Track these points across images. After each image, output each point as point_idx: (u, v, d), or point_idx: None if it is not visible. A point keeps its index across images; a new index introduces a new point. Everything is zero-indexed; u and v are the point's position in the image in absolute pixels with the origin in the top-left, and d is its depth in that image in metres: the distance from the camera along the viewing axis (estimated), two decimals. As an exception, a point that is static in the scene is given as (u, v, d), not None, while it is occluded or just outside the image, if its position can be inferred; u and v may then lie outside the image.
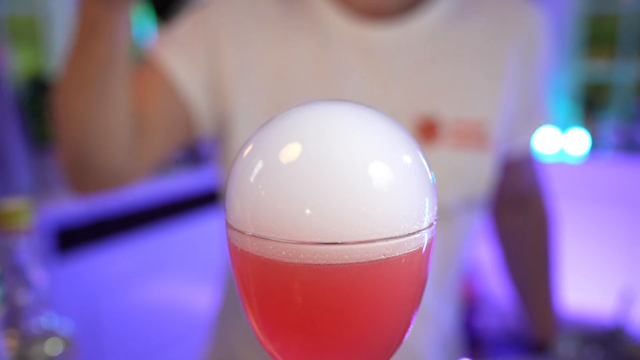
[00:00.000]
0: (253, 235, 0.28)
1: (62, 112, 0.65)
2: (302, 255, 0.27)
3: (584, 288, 2.47)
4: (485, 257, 2.65)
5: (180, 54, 0.72)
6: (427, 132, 0.72)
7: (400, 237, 0.28)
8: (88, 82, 0.62)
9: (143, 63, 0.74)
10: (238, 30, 0.73)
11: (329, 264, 0.27)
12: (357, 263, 0.28)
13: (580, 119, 2.60)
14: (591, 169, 2.45)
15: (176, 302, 2.08)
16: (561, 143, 2.59)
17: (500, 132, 0.76)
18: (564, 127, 2.62)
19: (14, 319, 0.57)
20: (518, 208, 0.92)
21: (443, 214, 0.74)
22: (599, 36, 2.64)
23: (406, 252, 0.29)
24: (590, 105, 2.61)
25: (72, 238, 1.80)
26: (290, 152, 0.28)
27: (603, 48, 2.66)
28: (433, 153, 0.72)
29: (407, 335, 0.32)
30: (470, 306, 2.57)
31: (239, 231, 0.29)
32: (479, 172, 0.75)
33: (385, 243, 0.28)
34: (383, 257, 0.28)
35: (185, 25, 0.74)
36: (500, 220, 0.94)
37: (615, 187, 2.39)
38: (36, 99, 2.06)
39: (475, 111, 0.74)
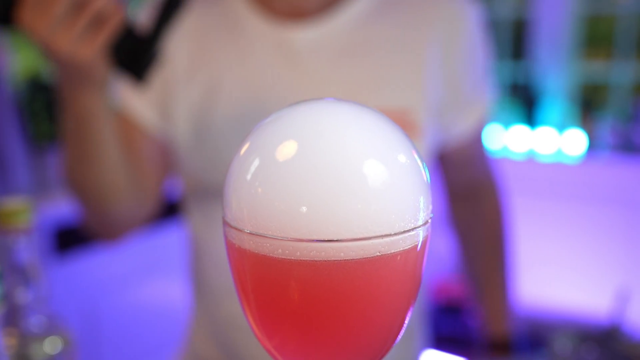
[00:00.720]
0: (250, 233, 0.29)
1: (70, 184, 0.74)
2: (298, 253, 0.28)
3: (581, 287, 2.47)
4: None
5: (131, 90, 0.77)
6: None
7: (395, 234, 0.29)
8: (76, 156, 0.70)
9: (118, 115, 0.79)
10: (168, 48, 0.75)
11: (325, 261, 0.28)
12: (352, 260, 0.28)
13: (578, 119, 2.60)
14: (588, 169, 2.45)
15: (174, 302, 2.08)
16: (558, 143, 2.59)
17: (429, 120, 0.76)
18: (561, 128, 2.62)
19: (14, 317, 0.57)
20: (468, 200, 0.91)
21: None
22: (596, 37, 2.65)
23: (401, 249, 0.29)
24: (588, 105, 2.61)
25: (71, 238, 1.80)
26: (287, 150, 0.29)
27: (600, 49, 2.66)
28: None
29: (402, 332, 0.33)
30: (467, 306, 2.57)
31: (236, 229, 0.30)
32: None
33: (380, 240, 0.28)
34: (378, 254, 0.28)
35: None
36: (453, 213, 0.94)
37: (612, 187, 2.39)
38: (35, 99, 2.06)
39: (399, 100, 0.74)
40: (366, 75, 0.75)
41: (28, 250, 0.57)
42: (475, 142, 0.85)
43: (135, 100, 0.77)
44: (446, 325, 2.53)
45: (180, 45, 0.76)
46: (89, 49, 0.59)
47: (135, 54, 0.63)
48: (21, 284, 0.57)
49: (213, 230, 0.79)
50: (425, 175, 0.31)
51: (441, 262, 2.68)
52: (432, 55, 0.76)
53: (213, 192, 0.77)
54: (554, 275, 2.53)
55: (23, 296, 0.57)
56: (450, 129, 0.81)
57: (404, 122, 0.73)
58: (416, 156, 0.31)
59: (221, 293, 0.80)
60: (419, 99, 0.75)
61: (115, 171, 0.71)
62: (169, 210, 2.08)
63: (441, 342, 2.46)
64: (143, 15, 0.78)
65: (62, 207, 1.74)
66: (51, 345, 0.58)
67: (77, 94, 0.63)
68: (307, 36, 0.74)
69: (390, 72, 0.75)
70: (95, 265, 1.84)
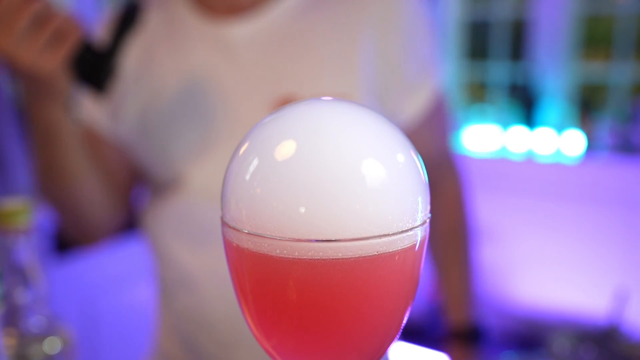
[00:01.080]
0: (249, 233, 0.29)
1: (42, 191, 0.78)
2: (296, 253, 0.28)
3: (579, 287, 2.48)
4: (480, 257, 2.65)
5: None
6: None
7: (393, 234, 0.29)
8: (45, 166, 0.73)
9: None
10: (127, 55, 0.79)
11: (323, 260, 0.28)
12: (351, 259, 0.28)
13: (577, 120, 2.61)
14: (587, 170, 2.46)
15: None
16: (557, 144, 2.59)
17: (370, 105, 0.76)
18: (560, 128, 2.63)
19: (13, 317, 0.57)
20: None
21: None
22: (595, 37, 2.65)
23: (399, 249, 0.29)
24: (587, 106, 2.61)
25: (70, 239, 1.79)
26: (285, 150, 0.29)
27: (599, 49, 2.67)
28: None
29: (400, 332, 0.33)
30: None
31: (234, 229, 0.30)
32: None
33: (378, 240, 0.28)
34: (377, 254, 0.28)
35: None
36: None
37: (611, 188, 2.39)
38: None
39: (333, 87, 0.75)
40: (302, 65, 0.76)
41: (27, 250, 0.57)
42: (427, 127, 0.84)
43: (95, 110, 0.81)
44: (445, 325, 2.53)
45: (130, 54, 0.79)
46: (50, 62, 0.62)
47: (94, 66, 0.68)
48: (20, 285, 0.57)
49: (160, 224, 0.80)
50: (423, 175, 0.31)
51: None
52: (366, 40, 0.76)
53: (160, 186, 0.80)
54: (552, 275, 2.53)
55: (22, 296, 0.57)
56: (396, 114, 0.81)
57: None
58: (414, 156, 0.31)
59: (175, 287, 0.81)
60: (355, 85, 0.76)
61: (85, 179, 0.75)
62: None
63: (440, 343, 2.46)
64: (101, 30, 0.81)
65: (61, 208, 1.74)
66: (50, 345, 0.58)
67: (41, 106, 0.67)
68: (243, 31, 0.77)
69: (325, 60, 0.76)
70: (94, 266, 1.84)
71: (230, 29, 0.77)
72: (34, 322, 0.58)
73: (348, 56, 0.76)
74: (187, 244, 0.78)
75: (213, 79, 0.77)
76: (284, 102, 0.73)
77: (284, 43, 0.77)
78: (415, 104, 0.81)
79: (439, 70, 0.83)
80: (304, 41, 0.77)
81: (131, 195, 0.87)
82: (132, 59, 0.79)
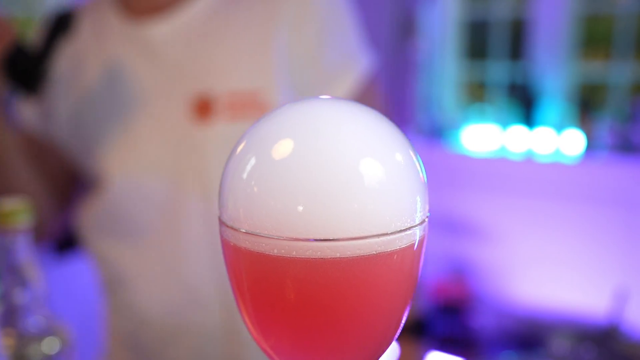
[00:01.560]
0: (246, 232, 0.29)
1: None
2: (294, 252, 0.28)
3: (579, 287, 2.48)
4: (480, 257, 2.65)
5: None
6: (202, 110, 0.77)
7: (392, 233, 0.29)
8: None
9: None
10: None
11: (321, 260, 0.28)
12: (349, 259, 0.28)
13: (576, 119, 2.60)
14: (587, 170, 2.46)
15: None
16: (557, 143, 2.59)
17: (287, 99, 0.78)
18: (559, 128, 2.63)
19: (12, 317, 0.57)
20: None
21: None
22: (595, 37, 2.65)
23: (398, 248, 0.29)
24: (586, 105, 2.61)
25: (69, 239, 1.79)
26: (283, 149, 0.29)
27: (599, 48, 2.67)
28: (211, 129, 0.76)
29: (399, 332, 0.33)
30: (467, 305, 2.58)
31: (232, 228, 0.30)
32: None
33: (377, 239, 0.28)
34: (375, 253, 0.28)
35: None
36: None
37: (610, 188, 2.39)
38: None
39: (249, 82, 0.77)
40: (218, 62, 0.78)
41: (26, 250, 0.57)
42: None
43: (28, 112, 0.84)
44: (444, 325, 2.53)
45: (61, 57, 0.82)
46: None
47: (27, 69, 0.71)
48: (19, 284, 0.57)
49: (90, 222, 0.82)
50: (422, 174, 0.31)
51: (439, 262, 2.69)
52: (281, 35, 0.78)
53: (90, 184, 0.83)
54: (552, 275, 2.53)
55: (21, 296, 0.57)
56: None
57: (255, 104, 0.77)
58: (413, 155, 0.31)
59: (112, 285, 0.83)
60: (269, 80, 0.77)
61: (27, 182, 0.79)
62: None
63: (439, 343, 2.47)
64: (34, 34, 0.84)
65: (60, 208, 1.74)
66: (49, 345, 0.58)
67: None
68: (161, 30, 0.79)
69: (240, 56, 0.78)
70: (94, 267, 1.83)
71: (150, 29, 0.79)
72: (33, 322, 0.58)
73: (262, 51, 0.78)
74: (117, 241, 0.80)
75: (134, 78, 0.79)
76: (202, 104, 0.77)
77: (201, 41, 0.79)
78: (338, 95, 0.82)
79: (365, 58, 0.84)
80: (220, 38, 0.79)
81: (74, 195, 0.90)
82: (63, 62, 0.82)
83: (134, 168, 0.77)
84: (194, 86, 0.77)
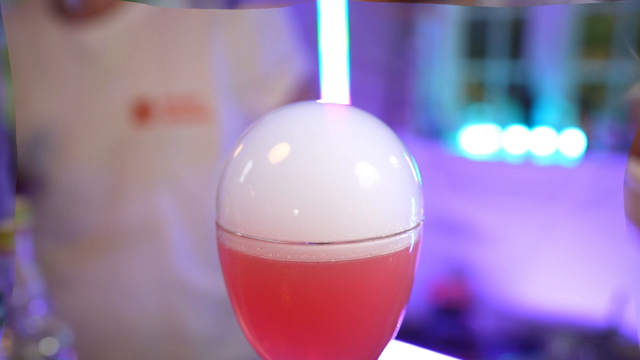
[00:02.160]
0: (242, 236, 0.29)
1: None
2: (289, 256, 0.28)
3: (578, 289, 2.47)
4: (479, 259, 2.65)
5: None
6: (141, 114, 0.77)
7: (387, 237, 0.29)
8: None
9: None
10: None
11: (316, 263, 0.28)
12: (344, 262, 0.28)
13: (576, 119, 2.60)
14: (586, 170, 2.46)
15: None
16: (556, 144, 2.59)
17: (225, 102, 0.80)
18: (559, 128, 2.63)
19: (10, 318, 0.57)
20: None
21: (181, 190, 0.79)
22: (595, 36, 2.65)
23: (393, 251, 0.29)
24: (586, 105, 2.61)
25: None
26: (279, 153, 0.29)
27: (599, 48, 2.66)
28: (149, 132, 0.77)
29: (395, 334, 0.33)
30: (466, 308, 2.58)
31: (228, 232, 0.30)
32: (203, 143, 0.79)
33: (372, 243, 0.28)
34: (370, 256, 0.28)
35: None
36: None
37: (610, 188, 2.39)
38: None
39: (186, 86, 0.78)
40: (152, 66, 0.79)
41: (24, 251, 0.57)
42: None
43: None
44: (444, 327, 2.53)
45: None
46: None
47: None
48: (17, 285, 0.57)
49: (32, 223, 0.83)
50: (417, 177, 0.31)
51: (439, 263, 2.69)
52: (216, 40, 0.79)
53: (32, 187, 0.83)
54: (551, 276, 2.53)
55: (19, 297, 0.57)
56: (258, 108, 0.83)
57: (194, 107, 0.78)
58: (408, 158, 0.31)
59: (55, 287, 0.82)
60: (206, 82, 0.78)
61: None
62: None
63: (439, 344, 2.46)
64: None
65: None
66: (47, 346, 0.58)
67: None
68: (99, 35, 0.79)
69: (177, 60, 0.79)
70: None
71: (87, 34, 0.79)
72: (30, 323, 0.58)
73: (199, 56, 0.79)
74: (56, 243, 0.81)
75: (72, 84, 0.79)
76: (141, 108, 0.77)
77: (139, 46, 0.79)
78: (275, 97, 0.84)
79: (300, 60, 0.86)
80: (157, 43, 0.80)
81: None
82: None
83: (74, 170, 0.78)
84: (132, 91, 0.78)
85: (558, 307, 2.52)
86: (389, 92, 2.77)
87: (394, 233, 0.29)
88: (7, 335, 0.57)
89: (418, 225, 0.31)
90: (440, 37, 2.86)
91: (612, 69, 2.60)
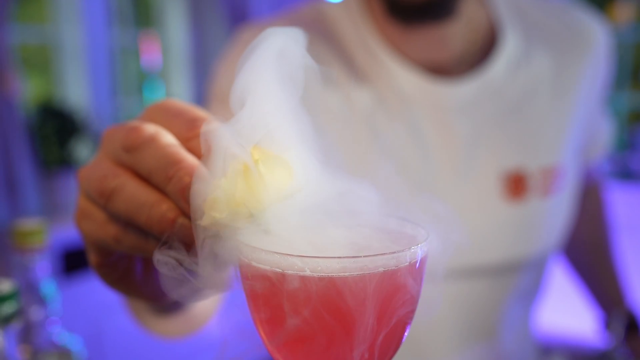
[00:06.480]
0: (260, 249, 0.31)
1: None
2: (306, 270, 0.30)
3: (577, 309, 2.46)
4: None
5: None
6: (516, 187, 0.70)
7: (396, 252, 0.31)
8: None
9: None
10: None
11: (328, 276, 0.30)
12: (355, 276, 0.30)
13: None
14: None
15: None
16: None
17: (573, 166, 0.76)
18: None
19: (28, 334, 0.59)
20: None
21: (536, 264, 0.76)
22: None
23: (402, 265, 0.31)
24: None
25: (78, 260, 1.81)
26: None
27: None
28: (524, 207, 0.70)
29: (400, 346, 0.34)
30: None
31: (249, 246, 0.32)
32: (563, 211, 0.75)
33: (381, 257, 0.30)
34: (381, 270, 0.30)
35: None
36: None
37: (610, 215, 2.40)
38: (46, 125, 2.09)
39: (555, 156, 0.72)
40: (522, 133, 0.71)
41: (43, 269, 0.59)
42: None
43: None
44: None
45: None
46: None
47: None
48: (36, 302, 0.59)
49: None
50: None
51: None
52: (582, 93, 0.75)
53: None
54: (550, 296, 2.52)
55: (37, 313, 0.59)
56: (589, 163, 0.83)
57: (559, 177, 0.72)
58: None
59: None
60: (567, 150, 0.73)
61: None
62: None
63: None
64: None
65: (69, 230, 1.76)
66: (63, 361, 0.60)
67: None
68: (457, 93, 0.70)
69: (544, 128, 0.72)
70: (101, 287, 1.85)
71: (443, 90, 0.70)
72: (48, 338, 0.60)
73: (565, 120, 0.73)
74: None
75: (429, 142, 0.71)
76: (515, 180, 0.69)
77: (502, 107, 0.71)
78: (599, 149, 0.84)
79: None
80: (523, 106, 0.71)
81: None
82: None
83: None
84: (502, 160, 0.70)
85: (556, 326, 2.51)
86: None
87: (402, 248, 0.31)
88: (25, 350, 0.59)
89: (425, 240, 0.33)
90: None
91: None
